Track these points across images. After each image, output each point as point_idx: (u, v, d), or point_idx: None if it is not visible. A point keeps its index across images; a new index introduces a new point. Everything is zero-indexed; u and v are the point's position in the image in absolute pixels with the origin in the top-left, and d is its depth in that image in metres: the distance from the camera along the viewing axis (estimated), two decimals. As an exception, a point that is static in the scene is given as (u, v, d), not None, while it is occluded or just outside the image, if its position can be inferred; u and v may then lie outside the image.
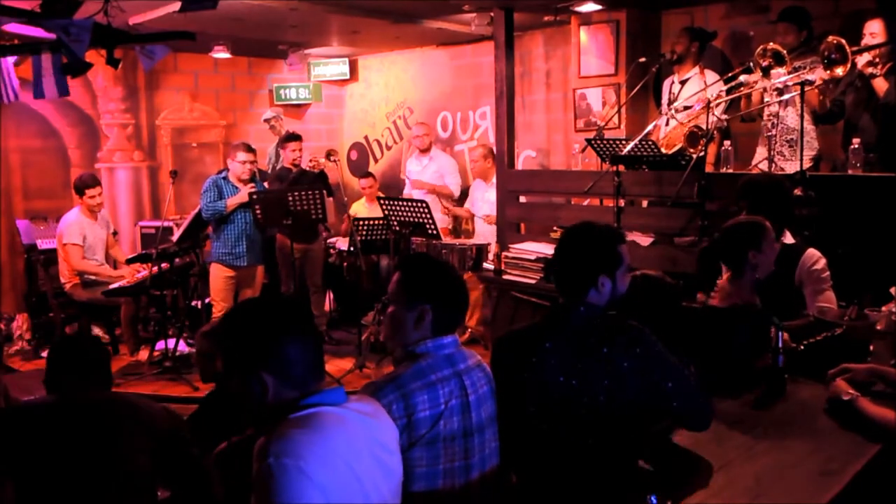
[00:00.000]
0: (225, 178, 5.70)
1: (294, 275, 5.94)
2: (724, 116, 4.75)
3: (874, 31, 4.22)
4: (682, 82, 5.15)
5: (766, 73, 4.21)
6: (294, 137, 6.24)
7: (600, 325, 2.12)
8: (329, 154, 6.20)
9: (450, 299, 2.11)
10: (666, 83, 5.36)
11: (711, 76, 5.05)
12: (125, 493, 2.27)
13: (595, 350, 2.06)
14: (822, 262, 3.15)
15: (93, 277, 5.94)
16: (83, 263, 5.91)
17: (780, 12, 4.76)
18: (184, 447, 2.44)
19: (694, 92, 5.05)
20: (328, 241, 6.85)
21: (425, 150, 6.93)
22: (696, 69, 5.09)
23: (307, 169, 6.13)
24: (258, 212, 5.43)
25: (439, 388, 2.01)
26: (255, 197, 5.44)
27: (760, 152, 4.78)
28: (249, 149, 5.77)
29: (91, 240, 5.98)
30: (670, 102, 5.13)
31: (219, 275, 5.73)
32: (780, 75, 4.60)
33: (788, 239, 3.25)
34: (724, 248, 2.84)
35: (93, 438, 2.27)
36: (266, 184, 6.45)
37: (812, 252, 3.17)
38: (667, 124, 5.11)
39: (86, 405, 2.34)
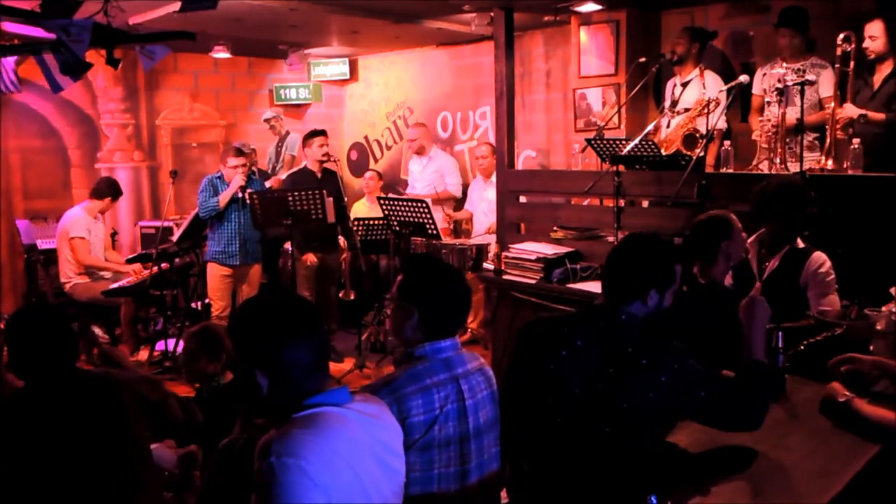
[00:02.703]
0: (220, 178, 5.69)
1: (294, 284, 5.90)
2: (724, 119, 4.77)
3: (874, 33, 4.21)
4: (684, 84, 5.14)
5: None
6: (319, 133, 6.06)
7: (640, 336, 2.13)
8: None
9: (437, 303, 2.08)
10: (669, 84, 5.35)
11: (711, 77, 5.03)
12: (136, 469, 2.27)
13: (633, 360, 2.07)
14: (828, 265, 3.16)
15: (100, 274, 5.95)
16: (91, 258, 5.92)
17: (779, 16, 4.76)
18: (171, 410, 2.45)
19: (694, 94, 5.04)
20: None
21: (419, 153, 6.90)
22: (697, 71, 5.08)
23: (332, 169, 6.00)
24: (258, 210, 5.43)
25: (434, 392, 2.00)
26: (254, 197, 5.43)
27: (761, 153, 4.78)
28: (240, 152, 5.73)
29: (92, 238, 5.99)
30: (673, 104, 5.13)
31: (215, 273, 5.73)
32: (780, 75, 4.61)
33: (799, 242, 3.26)
34: (696, 240, 3.01)
35: (100, 416, 2.25)
36: (268, 183, 6.45)
37: (818, 255, 3.18)
38: (668, 125, 5.11)
39: (81, 384, 2.31)
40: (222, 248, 5.68)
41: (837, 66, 4.21)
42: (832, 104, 4.23)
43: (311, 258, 5.88)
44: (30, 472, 2.18)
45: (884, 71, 4.29)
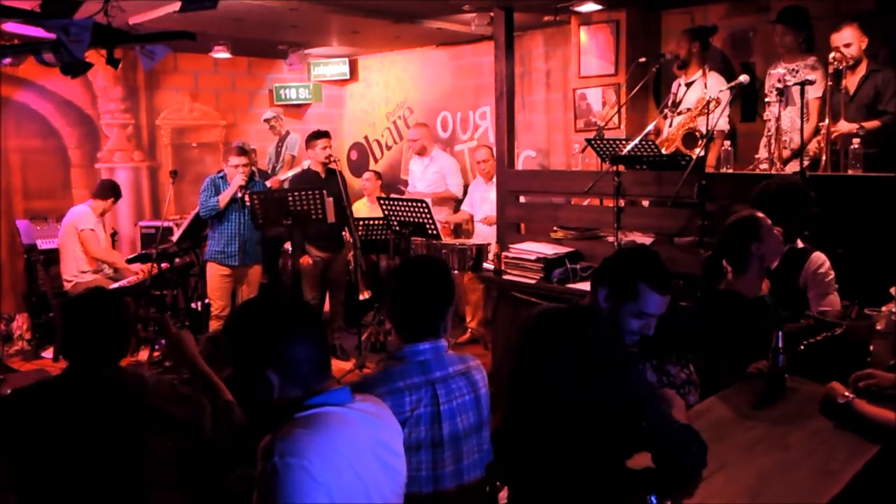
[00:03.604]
0: (223, 178, 5.69)
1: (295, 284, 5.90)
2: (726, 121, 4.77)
3: (848, 40, 4.21)
4: (688, 84, 5.14)
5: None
6: (322, 134, 6.00)
7: (604, 339, 2.13)
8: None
9: (406, 305, 2.10)
10: (674, 84, 5.35)
11: (714, 78, 5.03)
12: (140, 479, 2.24)
13: (586, 358, 2.07)
14: (827, 266, 3.16)
15: (108, 270, 5.95)
16: (102, 251, 5.92)
17: (779, 13, 4.76)
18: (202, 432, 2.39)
19: (697, 94, 5.03)
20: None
21: (421, 154, 6.89)
22: (701, 71, 5.08)
23: (337, 170, 5.98)
24: (258, 211, 5.42)
25: (406, 395, 1.99)
26: (255, 197, 5.43)
27: (761, 153, 4.79)
28: (242, 152, 5.72)
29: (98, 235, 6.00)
30: (675, 104, 5.12)
31: (214, 273, 5.73)
32: (780, 75, 4.61)
33: (799, 243, 3.25)
34: (726, 246, 2.89)
35: (110, 419, 2.20)
36: (267, 183, 6.45)
37: (818, 255, 3.18)
38: (671, 125, 5.11)
39: (107, 383, 2.24)
40: (222, 248, 5.69)
41: (830, 82, 4.21)
42: (826, 119, 4.23)
43: (306, 259, 5.88)
44: (35, 463, 2.16)
45: (857, 74, 4.30)
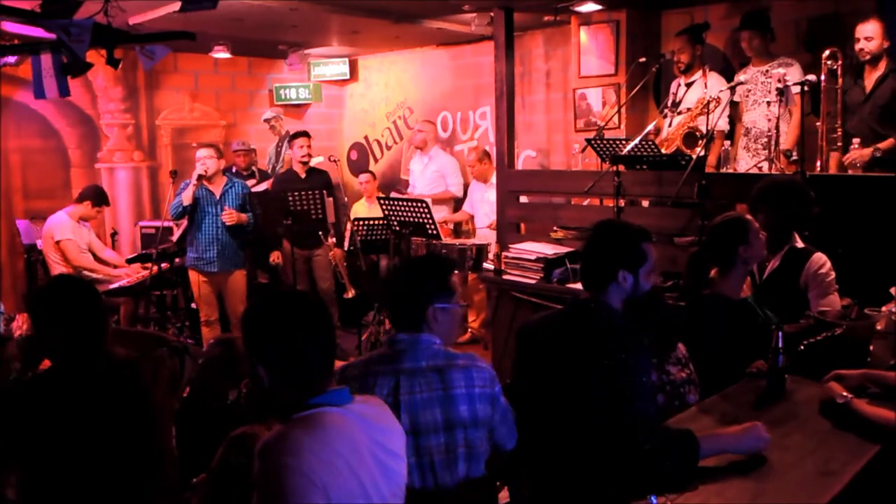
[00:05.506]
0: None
1: (295, 281, 5.90)
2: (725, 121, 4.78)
3: (869, 34, 4.15)
4: (688, 85, 5.14)
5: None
6: (300, 134, 6.15)
7: (607, 328, 2.15)
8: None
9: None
10: (673, 85, 5.35)
11: (714, 78, 5.02)
12: (152, 463, 2.25)
13: (594, 348, 2.08)
14: (828, 266, 3.16)
15: (91, 275, 5.92)
16: (82, 258, 5.89)
17: (742, 19, 4.83)
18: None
19: (697, 94, 5.04)
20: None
21: (421, 148, 6.91)
22: (701, 72, 5.08)
23: (319, 168, 6.01)
24: (257, 214, 5.43)
25: (370, 379, 2.09)
26: (254, 197, 5.44)
27: (740, 154, 4.81)
28: (209, 146, 5.70)
29: (78, 242, 5.95)
30: (675, 104, 5.12)
31: (195, 280, 5.68)
32: (780, 75, 4.61)
33: (798, 242, 3.25)
34: (713, 248, 2.92)
35: (121, 407, 2.19)
36: (263, 185, 6.46)
37: (819, 256, 3.18)
38: (671, 125, 5.11)
39: (107, 371, 2.23)
40: (199, 254, 5.59)
41: (824, 83, 4.19)
42: (819, 123, 4.22)
43: (276, 255, 5.98)
44: (42, 456, 2.14)
45: (876, 72, 4.24)
